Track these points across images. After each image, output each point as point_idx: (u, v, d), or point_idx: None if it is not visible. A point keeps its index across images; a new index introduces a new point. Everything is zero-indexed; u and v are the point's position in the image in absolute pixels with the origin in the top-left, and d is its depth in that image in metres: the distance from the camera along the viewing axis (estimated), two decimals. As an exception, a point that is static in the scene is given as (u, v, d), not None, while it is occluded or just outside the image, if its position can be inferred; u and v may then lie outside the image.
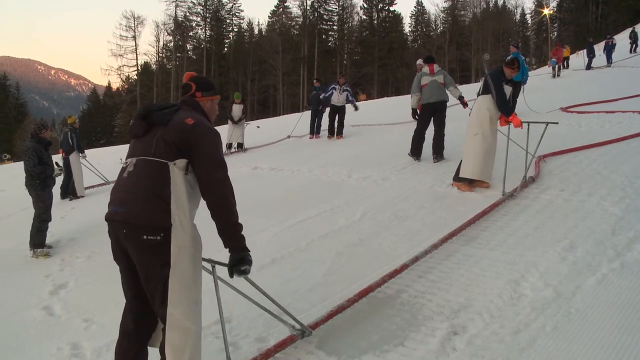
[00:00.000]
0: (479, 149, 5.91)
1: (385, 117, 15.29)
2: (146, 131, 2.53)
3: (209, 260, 2.58)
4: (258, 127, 20.38)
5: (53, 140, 7.39)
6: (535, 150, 5.91)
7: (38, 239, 6.01)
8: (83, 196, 9.69)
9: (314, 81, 14.67)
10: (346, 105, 12.47)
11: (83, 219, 7.40)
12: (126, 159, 2.56)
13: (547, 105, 11.50)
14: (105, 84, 75.82)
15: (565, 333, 2.91)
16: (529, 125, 5.80)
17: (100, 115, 70.02)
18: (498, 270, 3.83)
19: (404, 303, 3.53)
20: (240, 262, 2.41)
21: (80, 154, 9.84)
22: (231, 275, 2.45)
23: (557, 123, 5.96)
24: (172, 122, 2.49)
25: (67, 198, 9.67)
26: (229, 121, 13.28)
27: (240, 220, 2.49)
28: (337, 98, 12.18)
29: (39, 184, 6.12)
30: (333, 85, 12.26)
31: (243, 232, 2.49)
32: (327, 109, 12.68)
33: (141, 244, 2.34)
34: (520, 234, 4.51)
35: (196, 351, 2.40)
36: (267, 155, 11.64)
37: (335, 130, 12.46)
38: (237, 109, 13.23)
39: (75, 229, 6.96)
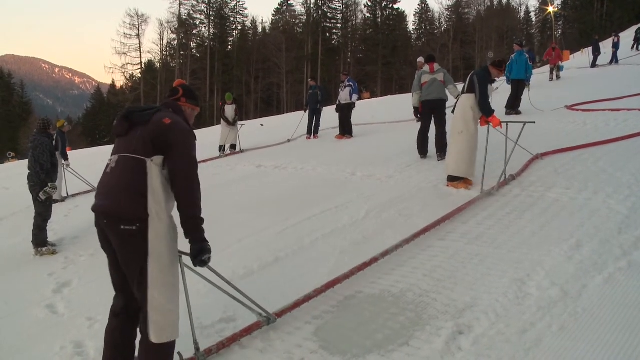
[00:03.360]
0: (465, 147, 6.00)
1: (389, 115, 15.23)
2: (128, 131, 2.74)
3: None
4: (262, 125, 20.40)
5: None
6: (513, 147, 5.95)
7: (40, 238, 6.02)
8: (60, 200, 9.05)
9: (309, 80, 14.15)
10: (355, 102, 12.21)
11: (86, 217, 7.37)
12: (110, 157, 2.77)
13: (551, 103, 11.44)
14: (109, 82, 75.68)
15: (571, 333, 2.88)
16: (507, 125, 5.89)
17: (104, 114, 70.12)
18: (504, 269, 3.80)
19: (409, 302, 3.51)
20: (200, 252, 2.63)
21: (63, 161, 9.32)
22: (195, 265, 2.68)
23: (534, 122, 5.98)
24: (151, 122, 2.70)
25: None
26: (223, 122, 12.84)
27: (202, 215, 2.69)
28: (342, 95, 12.12)
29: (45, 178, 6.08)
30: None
31: (204, 226, 2.69)
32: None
33: (119, 233, 2.58)
34: (526, 233, 4.48)
35: (175, 330, 2.64)
36: (271, 153, 11.59)
37: (343, 129, 12.10)
38: (230, 110, 12.75)
39: (79, 227, 6.97)
